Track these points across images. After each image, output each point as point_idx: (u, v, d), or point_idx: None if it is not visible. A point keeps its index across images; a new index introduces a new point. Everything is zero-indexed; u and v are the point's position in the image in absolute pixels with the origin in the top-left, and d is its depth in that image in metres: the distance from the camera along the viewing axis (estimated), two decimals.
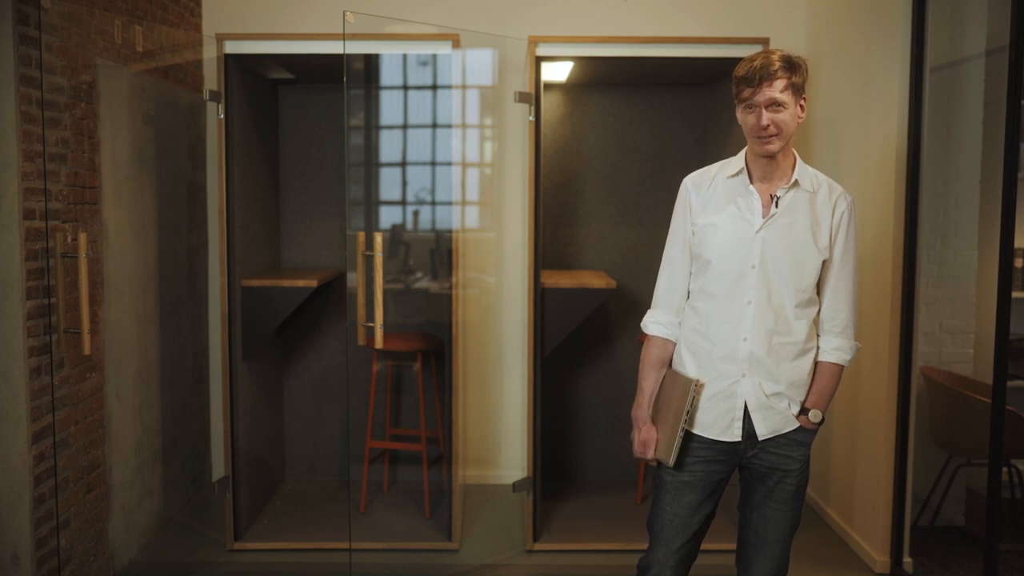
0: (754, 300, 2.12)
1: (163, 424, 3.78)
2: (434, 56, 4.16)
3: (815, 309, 2.18)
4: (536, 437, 3.57)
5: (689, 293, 2.27)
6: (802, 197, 2.14)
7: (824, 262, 2.14)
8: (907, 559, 3.40)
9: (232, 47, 3.40)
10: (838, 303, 2.17)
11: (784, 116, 2.05)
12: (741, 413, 2.16)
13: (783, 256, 2.11)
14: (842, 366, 2.20)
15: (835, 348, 2.19)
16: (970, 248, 3.81)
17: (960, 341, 3.87)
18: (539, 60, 3.44)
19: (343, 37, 3.23)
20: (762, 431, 2.17)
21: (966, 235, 3.81)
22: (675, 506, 2.23)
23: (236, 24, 4.19)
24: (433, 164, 4.28)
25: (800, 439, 2.19)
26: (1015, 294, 3.86)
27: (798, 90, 2.07)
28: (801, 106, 2.09)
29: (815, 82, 4.15)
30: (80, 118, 3.04)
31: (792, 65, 2.05)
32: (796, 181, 2.13)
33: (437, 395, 4.13)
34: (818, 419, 2.17)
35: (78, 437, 3.06)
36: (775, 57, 2.04)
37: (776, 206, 2.13)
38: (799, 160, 2.17)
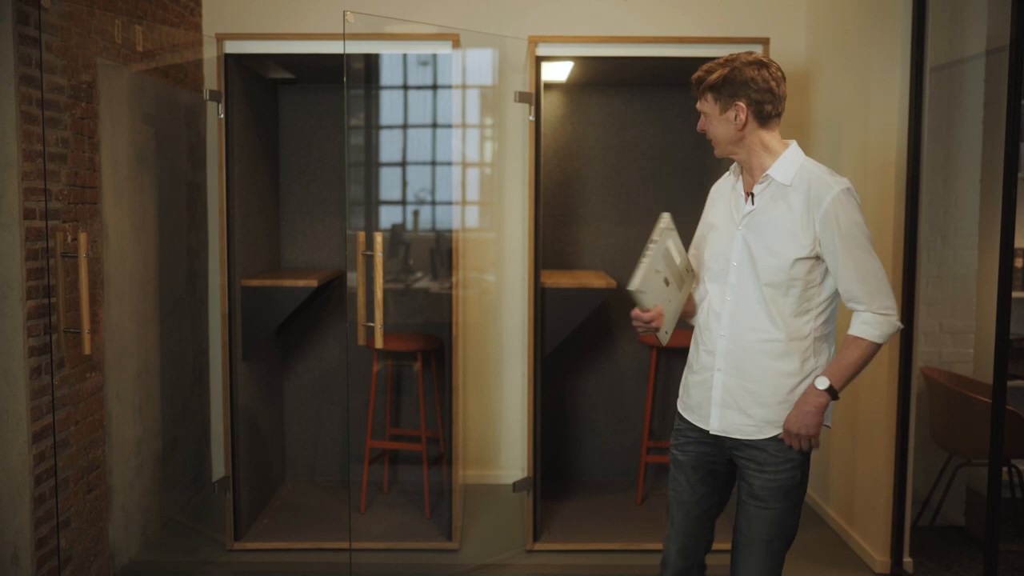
0: (732, 297, 2.15)
1: (163, 424, 3.78)
2: (434, 56, 4.16)
3: (799, 306, 2.11)
4: (536, 437, 3.57)
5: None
6: (778, 191, 2.10)
7: (819, 255, 2.07)
8: (907, 559, 3.40)
9: (232, 47, 3.40)
10: (846, 283, 2.07)
11: (710, 125, 2.14)
12: (712, 406, 2.20)
13: (759, 252, 2.10)
14: (862, 338, 2.07)
15: (860, 323, 2.09)
16: (970, 248, 3.81)
17: (960, 341, 3.87)
18: (539, 60, 3.44)
19: (343, 37, 3.23)
20: (714, 426, 2.19)
21: (966, 235, 3.81)
22: (675, 484, 2.31)
23: (236, 24, 4.19)
24: (433, 164, 4.28)
25: (773, 451, 2.13)
26: (1015, 294, 3.86)
27: (722, 97, 2.09)
28: (737, 112, 2.09)
29: (815, 82, 4.15)
30: (80, 118, 3.04)
31: (699, 79, 2.13)
32: (769, 176, 2.11)
33: (437, 395, 4.13)
34: (824, 385, 2.07)
35: (78, 437, 3.06)
36: (695, 76, 2.15)
37: (752, 203, 2.14)
38: (787, 153, 2.12)
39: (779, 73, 2.11)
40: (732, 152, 2.16)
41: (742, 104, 2.08)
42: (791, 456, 2.12)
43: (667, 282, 2.17)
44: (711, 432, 2.20)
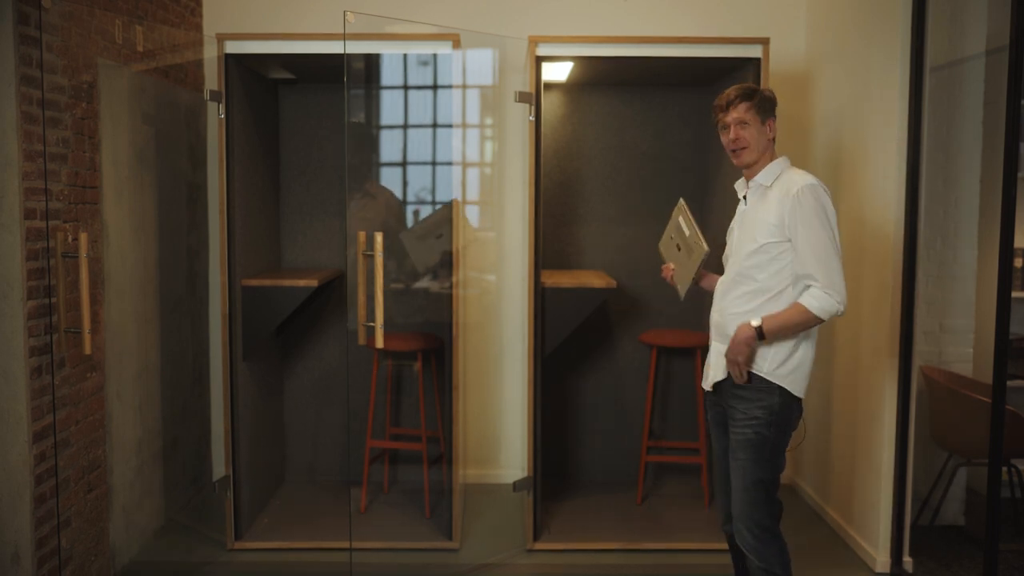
0: (724, 281, 2.61)
1: (163, 424, 3.78)
2: (434, 56, 4.16)
3: (767, 284, 2.49)
4: (536, 436, 3.57)
5: None
6: (762, 192, 2.53)
7: (790, 239, 2.45)
8: (907, 559, 3.40)
9: (233, 47, 3.40)
10: (802, 259, 2.42)
11: (749, 131, 2.51)
12: (710, 368, 2.65)
13: (745, 241, 2.53)
14: (803, 305, 2.42)
15: (807, 294, 2.43)
16: (970, 248, 3.81)
17: (960, 341, 3.87)
18: (539, 60, 3.44)
19: (343, 37, 3.24)
20: (708, 383, 2.66)
21: (966, 235, 3.81)
22: (714, 440, 2.74)
23: (237, 24, 4.19)
24: (433, 164, 4.28)
25: (737, 393, 2.53)
26: (1015, 294, 3.87)
27: (763, 111, 2.52)
28: (770, 125, 2.53)
29: (815, 82, 4.15)
30: (81, 118, 3.05)
31: (749, 92, 2.52)
32: (756, 181, 2.53)
33: (437, 395, 4.13)
34: (756, 323, 2.46)
35: (79, 437, 3.06)
36: (735, 87, 2.56)
37: (745, 203, 2.59)
38: (774, 163, 2.53)
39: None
40: (757, 159, 2.53)
41: (772, 121, 2.54)
42: (754, 416, 2.49)
43: (679, 248, 2.79)
44: (705, 387, 2.64)
